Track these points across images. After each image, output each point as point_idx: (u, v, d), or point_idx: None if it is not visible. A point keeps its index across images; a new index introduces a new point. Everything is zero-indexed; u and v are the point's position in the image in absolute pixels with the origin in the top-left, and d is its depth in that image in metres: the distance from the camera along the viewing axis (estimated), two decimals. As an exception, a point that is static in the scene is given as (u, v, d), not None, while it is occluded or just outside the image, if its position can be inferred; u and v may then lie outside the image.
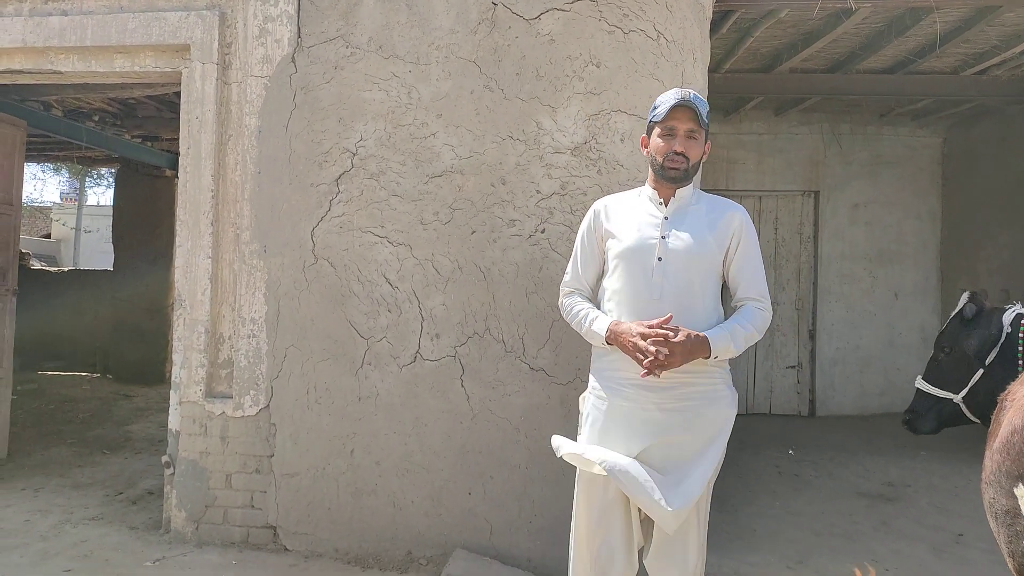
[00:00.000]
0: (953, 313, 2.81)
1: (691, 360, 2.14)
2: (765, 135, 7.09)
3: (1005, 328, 2.51)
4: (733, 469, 5.06)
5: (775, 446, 5.73)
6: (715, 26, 4.51)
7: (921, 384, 2.85)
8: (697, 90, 3.37)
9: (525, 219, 3.36)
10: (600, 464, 2.15)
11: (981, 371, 2.57)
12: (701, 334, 2.16)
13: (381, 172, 3.44)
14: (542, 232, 3.35)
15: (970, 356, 2.58)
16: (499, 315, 3.36)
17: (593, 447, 2.25)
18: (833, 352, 7.01)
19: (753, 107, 6.67)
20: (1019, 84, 5.57)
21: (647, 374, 2.12)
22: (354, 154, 3.46)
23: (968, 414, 2.67)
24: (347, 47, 3.47)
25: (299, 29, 3.49)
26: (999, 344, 2.52)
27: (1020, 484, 1.53)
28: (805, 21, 4.69)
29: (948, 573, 3.41)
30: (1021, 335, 2.48)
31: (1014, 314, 2.56)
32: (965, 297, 2.78)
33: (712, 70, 5.36)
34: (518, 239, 3.36)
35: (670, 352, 2.10)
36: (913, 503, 4.43)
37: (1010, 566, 1.63)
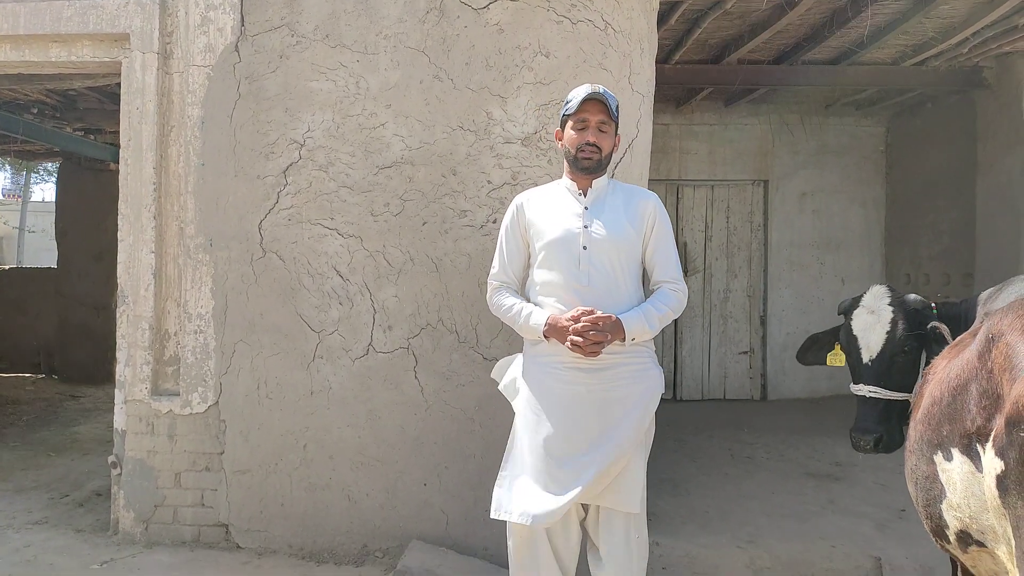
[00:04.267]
0: (891, 310, 2.51)
1: (610, 341, 2.28)
2: (716, 125, 7.19)
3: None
4: (687, 453, 5.16)
5: (728, 430, 5.85)
6: (663, 17, 4.55)
7: (879, 392, 2.47)
8: (644, 80, 3.41)
9: (476, 209, 3.36)
10: (520, 516, 2.32)
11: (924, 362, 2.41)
12: (616, 317, 2.30)
13: (330, 163, 3.40)
14: (493, 222, 3.35)
15: (935, 347, 2.32)
16: (452, 306, 3.36)
17: (520, 502, 2.34)
18: (784, 337, 7.17)
19: (703, 98, 6.76)
20: (956, 75, 5.75)
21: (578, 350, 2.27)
22: (302, 145, 3.41)
23: None
24: (292, 36, 3.41)
25: (242, 17, 3.42)
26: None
27: (938, 452, 1.60)
28: (751, 12, 4.76)
29: (891, 547, 3.53)
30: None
31: (919, 300, 2.54)
32: (884, 290, 2.55)
33: (662, 61, 5.41)
34: (470, 230, 3.36)
35: (600, 331, 2.24)
36: (859, 481, 4.58)
37: (927, 527, 1.71)
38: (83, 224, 7.98)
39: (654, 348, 2.52)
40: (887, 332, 2.51)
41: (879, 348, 2.52)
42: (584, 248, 2.36)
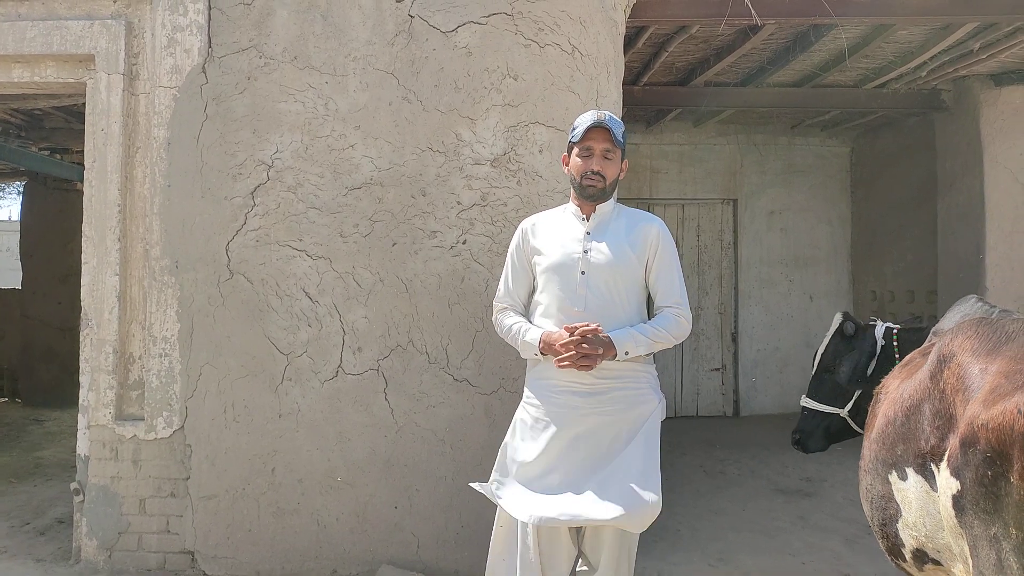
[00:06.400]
0: (831, 333, 2.85)
1: (602, 357, 2.28)
2: (685, 145, 7.30)
3: (879, 342, 2.69)
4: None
5: (701, 446, 5.89)
6: (631, 41, 4.63)
7: (808, 403, 2.86)
8: (611, 103, 3.45)
9: (446, 230, 3.37)
10: (529, 519, 2.29)
11: (864, 383, 2.65)
12: (607, 334, 2.31)
13: (299, 184, 3.39)
14: (463, 243, 3.36)
15: (857, 370, 2.67)
16: (422, 327, 3.35)
17: (516, 500, 2.33)
18: (754, 354, 7.26)
19: (673, 119, 6.86)
20: (916, 97, 5.91)
21: (568, 366, 2.28)
22: (270, 166, 3.39)
23: (854, 426, 2.76)
24: (260, 57, 3.41)
25: (210, 39, 3.41)
26: (876, 357, 2.70)
27: (893, 471, 1.63)
28: (716, 37, 4.86)
29: (859, 562, 3.57)
30: (895, 344, 2.66)
31: (884, 327, 2.74)
32: (839, 317, 2.86)
33: (631, 83, 5.49)
34: (439, 250, 3.36)
35: (590, 343, 2.26)
36: (828, 497, 4.63)
37: (882, 546, 1.74)
38: (49, 244, 7.84)
39: (656, 376, 2.52)
40: (821, 353, 2.88)
41: (814, 366, 2.92)
42: (582, 273, 2.38)
